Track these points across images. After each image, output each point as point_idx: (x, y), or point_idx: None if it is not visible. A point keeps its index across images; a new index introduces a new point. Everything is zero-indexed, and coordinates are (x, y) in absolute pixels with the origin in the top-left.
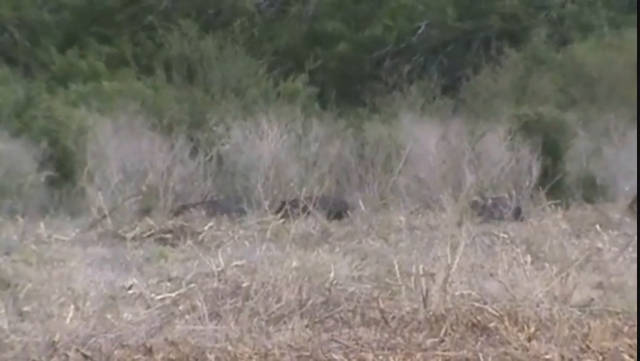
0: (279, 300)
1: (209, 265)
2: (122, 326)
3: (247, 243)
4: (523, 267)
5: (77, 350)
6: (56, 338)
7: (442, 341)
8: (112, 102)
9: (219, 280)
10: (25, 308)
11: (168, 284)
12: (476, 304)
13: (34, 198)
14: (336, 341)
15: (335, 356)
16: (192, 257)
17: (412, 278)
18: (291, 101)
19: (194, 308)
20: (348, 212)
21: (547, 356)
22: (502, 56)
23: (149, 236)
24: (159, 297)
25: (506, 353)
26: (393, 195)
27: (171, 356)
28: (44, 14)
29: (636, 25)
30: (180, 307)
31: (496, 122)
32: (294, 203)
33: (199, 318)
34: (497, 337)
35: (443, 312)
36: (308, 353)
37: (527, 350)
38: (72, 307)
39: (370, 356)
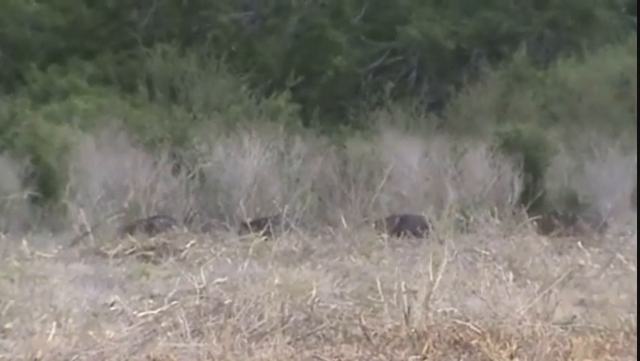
0: (261, 317)
1: (192, 282)
2: (104, 343)
3: (229, 260)
4: (506, 284)
5: None
6: (38, 356)
7: (424, 358)
8: (94, 119)
9: (201, 298)
10: (7, 325)
11: (150, 301)
12: (458, 321)
13: (16, 214)
14: (318, 358)
15: None
16: (174, 274)
17: (394, 295)
18: (273, 118)
19: (176, 325)
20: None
21: None
22: (484, 74)
23: (131, 253)
24: (141, 314)
25: None
26: (376, 213)
27: None
28: (26, 31)
29: (636, 25)
30: (162, 325)
31: (478, 139)
32: (276, 220)
33: (181, 335)
34: (479, 354)
35: (425, 329)
36: None
37: None
38: (54, 324)
39: None
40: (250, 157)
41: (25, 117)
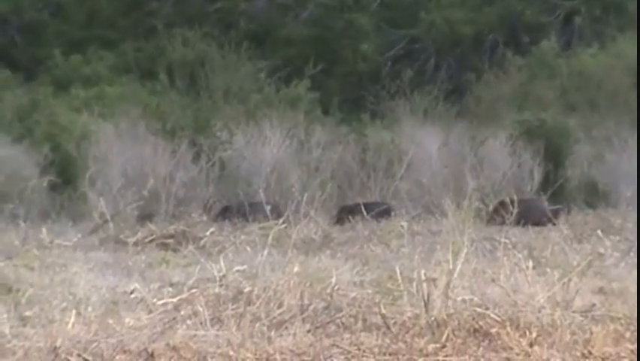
0: (280, 305)
1: (211, 270)
2: (123, 331)
3: (249, 248)
4: (525, 272)
5: (79, 355)
6: (58, 343)
7: (444, 346)
8: (114, 107)
9: (221, 286)
10: (27, 313)
11: (170, 289)
12: (478, 309)
13: (36, 203)
14: (337, 346)
15: None
16: (194, 262)
17: (414, 284)
18: (293, 106)
19: (195, 313)
20: (380, 218)
21: None
22: (505, 62)
23: (150, 241)
24: (161, 302)
25: (508, 359)
26: (395, 201)
27: None
28: (46, 17)
29: (636, 25)
30: (182, 313)
31: (498, 127)
32: (296, 208)
33: (201, 323)
34: (499, 342)
35: (445, 317)
36: (310, 359)
37: (529, 356)
38: (74, 312)
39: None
40: (270, 145)
41: (47, 105)
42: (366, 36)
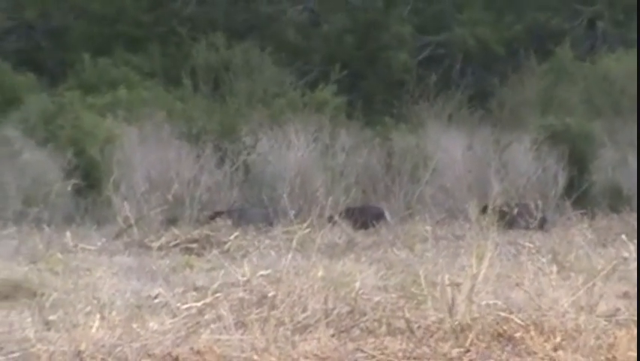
0: (304, 309)
1: (235, 274)
2: (147, 336)
3: (273, 252)
4: (549, 276)
5: (103, 360)
6: (82, 348)
7: (468, 350)
8: (138, 111)
9: (245, 290)
10: (51, 317)
11: (194, 293)
12: (502, 313)
13: (60, 207)
14: (362, 350)
15: None
16: (218, 267)
17: (438, 288)
18: (318, 110)
19: (219, 318)
20: (374, 222)
21: None
22: (529, 67)
23: (174, 245)
24: (185, 306)
25: None
26: (420, 205)
27: None
28: (70, 21)
29: (636, 24)
30: (206, 317)
31: (522, 132)
32: (321, 213)
33: (225, 327)
34: (523, 347)
35: (469, 322)
36: None
37: (553, 360)
38: (98, 316)
39: None
40: (294, 149)
41: (72, 110)
42: (403, 43)
